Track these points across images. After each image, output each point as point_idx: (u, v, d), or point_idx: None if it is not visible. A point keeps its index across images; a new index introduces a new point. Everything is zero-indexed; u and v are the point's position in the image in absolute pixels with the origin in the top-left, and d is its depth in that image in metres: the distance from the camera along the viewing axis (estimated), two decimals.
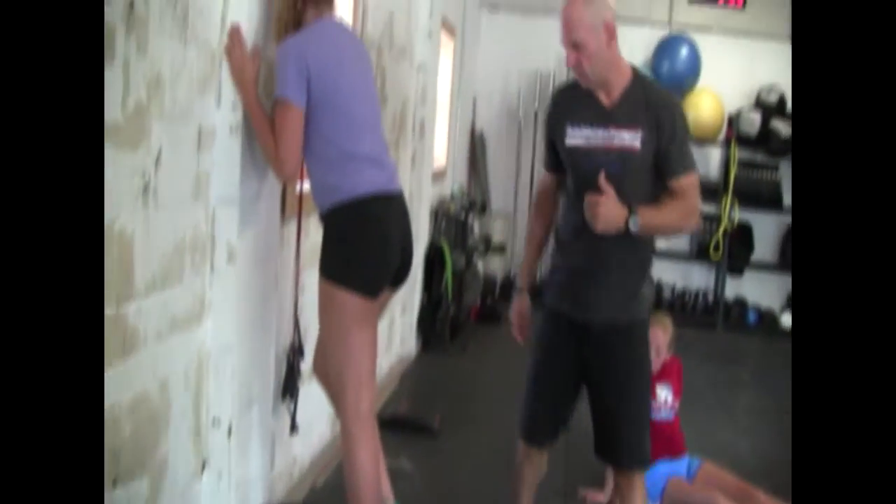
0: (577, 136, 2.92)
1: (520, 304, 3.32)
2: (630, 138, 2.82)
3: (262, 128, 2.93)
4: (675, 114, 2.87)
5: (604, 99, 2.90)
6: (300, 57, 2.92)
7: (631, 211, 2.75)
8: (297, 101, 2.91)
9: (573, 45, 2.81)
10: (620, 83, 2.87)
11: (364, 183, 3.02)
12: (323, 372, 3.29)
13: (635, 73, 2.92)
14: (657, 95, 2.90)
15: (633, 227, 2.75)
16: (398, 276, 3.22)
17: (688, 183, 2.86)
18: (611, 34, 2.80)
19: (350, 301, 2.98)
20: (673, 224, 2.94)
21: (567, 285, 3.06)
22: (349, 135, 3.03)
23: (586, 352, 3.02)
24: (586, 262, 3.00)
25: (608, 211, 2.75)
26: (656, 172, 2.86)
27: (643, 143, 2.81)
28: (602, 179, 2.77)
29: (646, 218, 2.77)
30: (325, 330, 3.13)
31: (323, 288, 3.05)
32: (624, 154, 2.83)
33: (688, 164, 2.86)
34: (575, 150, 2.93)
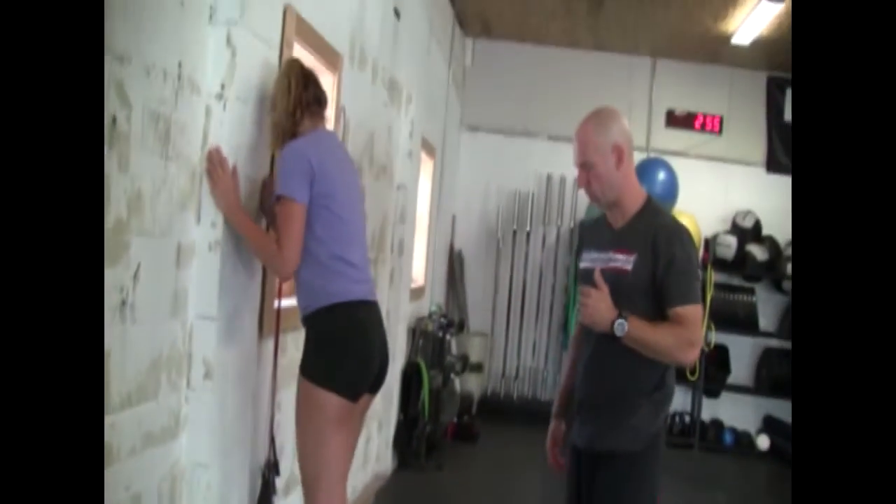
0: (586, 260, 3.01)
1: (552, 430, 3.30)
2: (623, 261, 2.84)
3: (254, 234, 3.04)
4: (675, 242, 2.81)
5: (614, 223, 2.97)
6: (304, 158, 3.03)
7: (622, 316, 2.75)
8: (301, 198, 3.00)
9: (582, 164, 2.91)
10: (631, 208, 2.92)
11: (351, 288, 3.12)
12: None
13: (648, 199, 2.96)
14: (662, 222, 2.89)
15: (618, 330, 2.73)
16: (376, 383, 3.27)
17: (686, 313, 2.76)
18: (620, 157, 2.87)
19: (331, 403, 3.01)
20: (663, 346, 2.77)
21: (572, 412, 3.12)
22: (341, 240, 3.14)
23: (581, 478, 3.02)
24: (583, 387, 3.04)
25: (597, 304, 2.76)
26: (656, 301, 2.80)
27: (635, 266, 2.82)
28: (598, 275, 2.81)
29: (634, 326, 2.73)
30: (302, 432, 3.13)
31: (304, 389, 3.07)
32: (615, 276, 2.83)
33: (687, 295, 2.78)
34: (583, 273, 3.00)
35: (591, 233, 3.13)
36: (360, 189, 3.43)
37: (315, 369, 3.07)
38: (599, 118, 2.96)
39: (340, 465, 3.12)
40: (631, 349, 2.79)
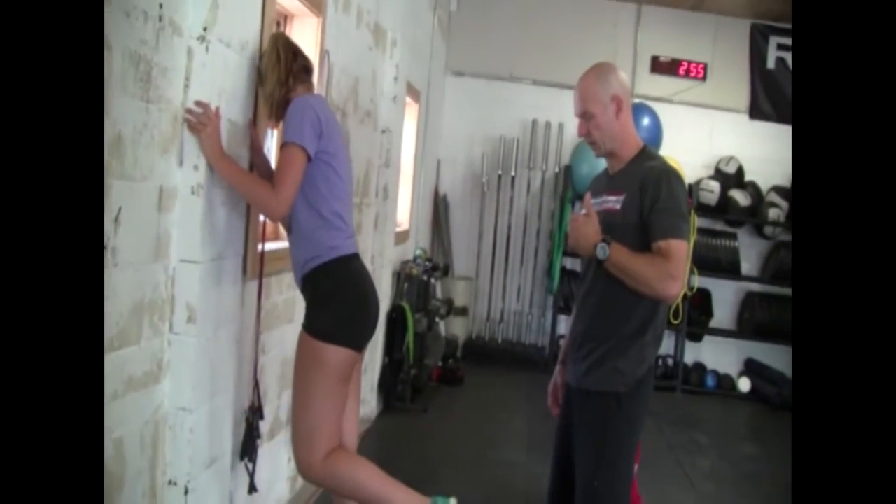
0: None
1: (555, 375, 3.37)
2: (614, 201, 2.96)
3: (242, 177, 3.04)
4: (662, 181, 2.87)
5: (611, 170, 3.10)
6: (314, 111, 3.06)
7: (606, 241, 2.83)
8: (310, 148, 3.02)
9: (583, 115, 3.02)
10: (627, 155, 3.03)
11: (347, 243, 3.16)
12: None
13: (644, 147, 3.07)
14: (652, 164, 2.97)
15: (600, 253, 2.83)
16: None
17: (669, 247, 2.80)
18: (619, 108, 2.98)
19: (338, 357, 3.02)
20: (643, 275, 2.81)
21: (563, 352, 3.26)
22: (340, 198, 3.19)
23: (571, 415, 3.10)
24: (575, 326, 3.14)
25: (584, 228, 2.87)
26: (643, 239, 2.86)
27: (623, 205, 2.92)
28: (587, 200, 2.95)
29: (616, 252, 2.82)
30: (305, 387, 3.12)
31: (310, 346, 3.07)
32: (607, 215, 2.95)
33: (671, 230, 2.82)
34: None
35: (594, 182, 3.24)
36: (348, 150, 3.43)
37: (322, 325, 3.08)
38: (599, 71, 3.05)
39: (339, 418, 3.14)
40: (621, 290, 2.88)
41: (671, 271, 2.79)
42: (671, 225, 2.84)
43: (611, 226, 2.91)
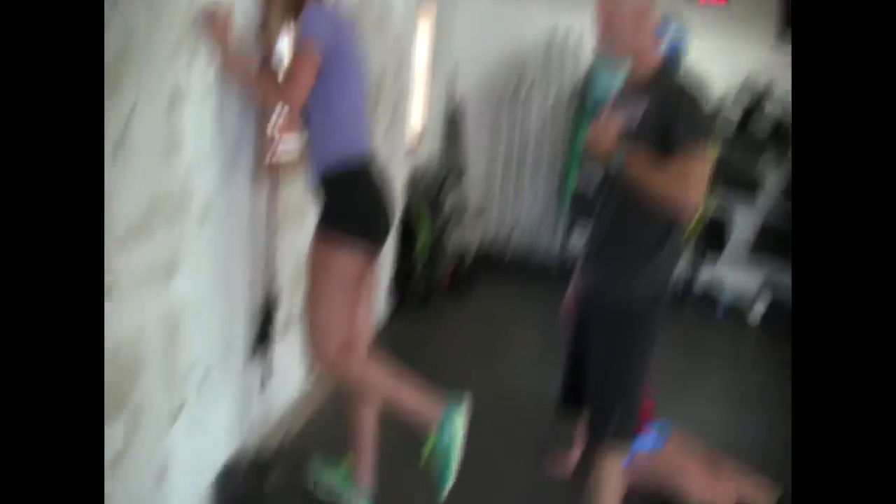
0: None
1: (573, 284, 3.39)
2: (634, 109, 2.92)
3: (253, 75, 3.08)
4: (684, 94, 2.86)
5: (632, 79, 3.05)
6: (330, 14, 3.07)
7: (624, 146, 2.83)
8: (323, 45, 3.01)
9: (607, 19, 2.97)
10: (650, 64, 2.99)
11: (362, 144, 3.16)
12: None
13: (667, 58, 3.03)
14: (675, 75, 2.95)
15: (619, 160, 2.83)
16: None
17: (686, 158, 2.76)
18: (641, 15, 2.93)
19: (351, 256, 3.05)
20: (662, 185, 2.78)
21: (580, 265, 3.26)
22: (353, 98, 3.20)
23: (584, 326, 3.16)
24: (593, 236, 3.16)
25: (603, 134, 2.87)
26: (663, 150, 2.81)
27: (645, 113, 2.88)
28: (608, 107, 2.96)
29: (633, 160, 2.81)
30: (318, 286, 3.16)
31: (323, 245, 3.11)
32: (628, 124, 2.90)
33: (692, 141, 2.77)
34: None
35: (615, 90, 3.20)
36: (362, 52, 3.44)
37: (335, 225, 3.10)
38: None
39: (352, 316, 3.19)
40: (639, 202, 2.87)
41: (691, 182, 2.75)
42: (693, 136, 2.78)
43: (630, 134, 2.87)
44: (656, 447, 4.22)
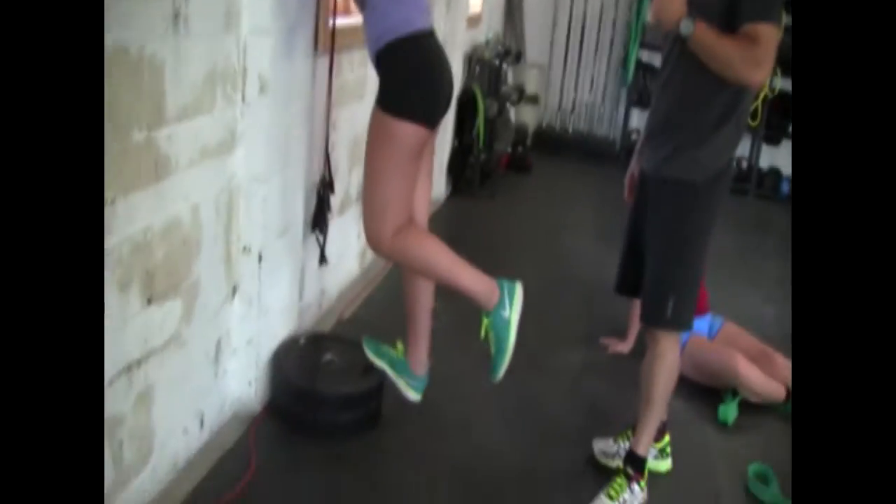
0: None
1: (632, 165, 3.36)
2: None
3: None
4: None
5: None
6: None
7: (691, 16, 2.71)
8: None
9: None
10: None
11: (423, 18, 3.05)
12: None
13: None
14: None
15: (684, 28, 2.71)
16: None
17: (757, 30, 2.65)
18: None
19: (409, 133, 2.99)
20: (728, 57, 2.69)
21: (641, 141, 3.20)
22: None
23: (644, 204, 3.10)
24: (655, 113, 3.08)
25: (669, 1, 2.74)
26: (731, 23, 2.71)
27: None
28: None
29: (702, 30, 2.70)
30: (376, 163, 3.08)
31: (382, 122, 3.04)
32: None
33: (761, 14, 2.68)
34: None
35: None
36: None
37: (394, 101, 3.02)
38: None
39: (410, 195, 3.16)
40: (703, 76, 2.77)
41: (758, 56, 2.66)
42: (762, 8, 2.69)
43: (697, 5, 2.76)
44: (710, 335, 4.18)
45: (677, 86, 2.95)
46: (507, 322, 2.98)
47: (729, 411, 3.86)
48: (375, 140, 3.02)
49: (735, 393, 3.95)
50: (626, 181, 3.39)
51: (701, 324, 4.14)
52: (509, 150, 7.80)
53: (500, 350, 2.98)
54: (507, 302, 2.98)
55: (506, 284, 2.99)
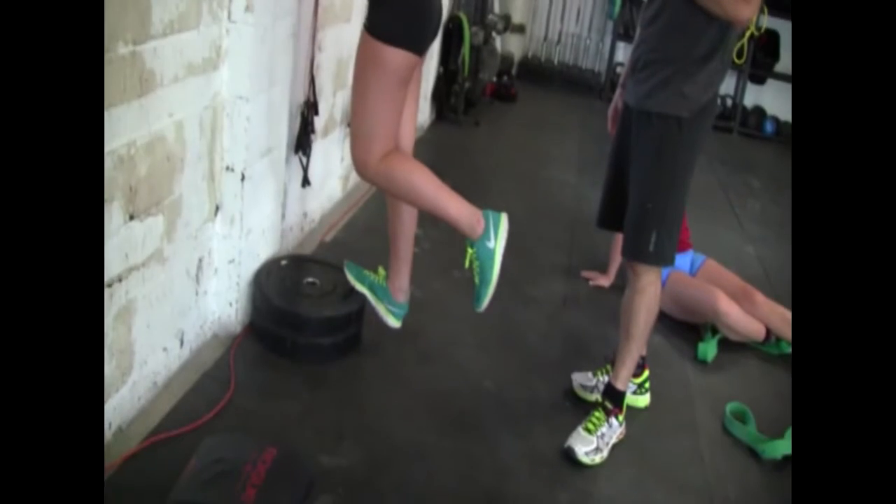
0: None
1: (616, 98, 3.33)
2: None
3: None
4: None
5: None
6: None
7: None
8: None
9: None
10: None
11: None
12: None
13: None
14: None
15: None
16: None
17: None
18: None
19: (397, 58, 2.96)
20: None
21: (625, 74, 3.16)
22: None
23: (627, 137, 3.07)
24: (641, 45, 3.03)
25: None
26: None
27: None
28: None
29: None
30: (363, 88, 3.06)
31: (370, 47, 3.01)
32: None
33: None
34: None
35: None
36: None
37: (382, 26, 2.99)
38: None
39: (397, 121, 3.13)
40: (691, 11, 2.75)
41: None
42: None
43: None
44: (692, 272, 4.20)
45: (665, 20, 2.91)
46: (492, 253, 2.97)
47: (708, 349, 3.89)
48: (363, 65, 2.98)
49: (715, 331, 3.98)
50: (610, 113, 3.36)
51: (682, 260, 4.15)
52: (494, 78, 7.74)
53: (484, 280, 2.98)
54: (492, 233, 2.97)
55: (491, 215, 2.97)
